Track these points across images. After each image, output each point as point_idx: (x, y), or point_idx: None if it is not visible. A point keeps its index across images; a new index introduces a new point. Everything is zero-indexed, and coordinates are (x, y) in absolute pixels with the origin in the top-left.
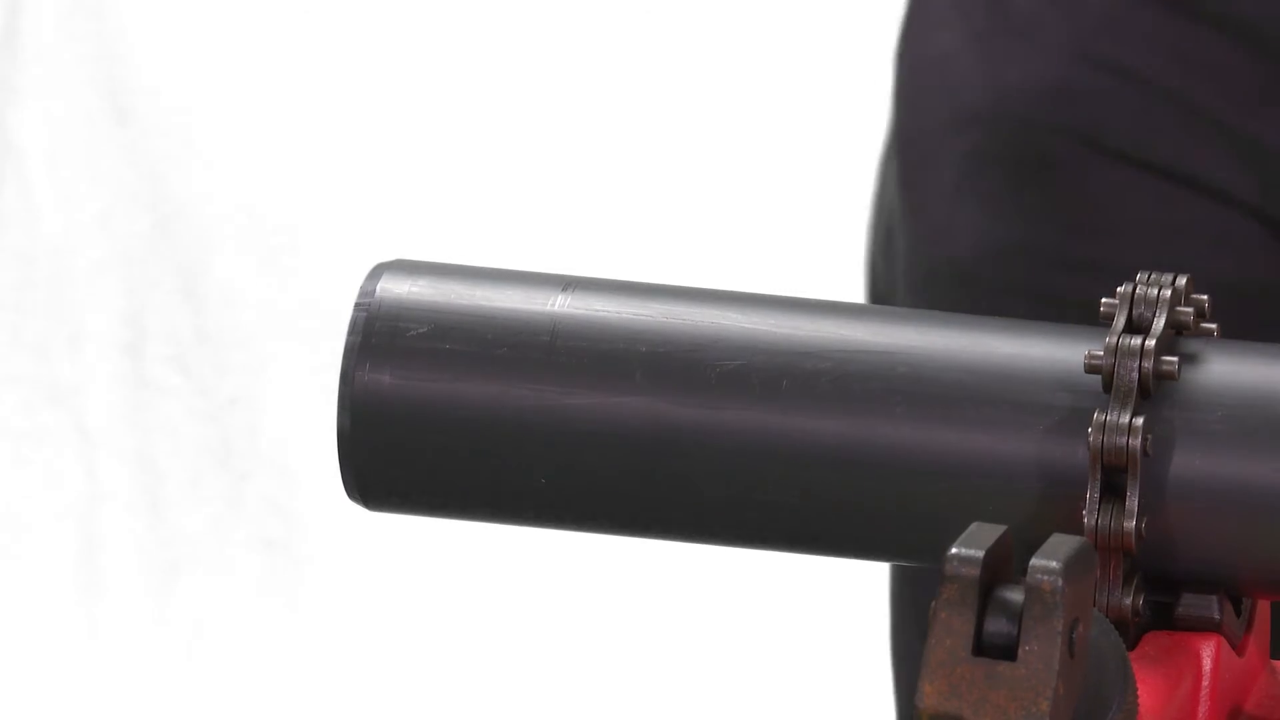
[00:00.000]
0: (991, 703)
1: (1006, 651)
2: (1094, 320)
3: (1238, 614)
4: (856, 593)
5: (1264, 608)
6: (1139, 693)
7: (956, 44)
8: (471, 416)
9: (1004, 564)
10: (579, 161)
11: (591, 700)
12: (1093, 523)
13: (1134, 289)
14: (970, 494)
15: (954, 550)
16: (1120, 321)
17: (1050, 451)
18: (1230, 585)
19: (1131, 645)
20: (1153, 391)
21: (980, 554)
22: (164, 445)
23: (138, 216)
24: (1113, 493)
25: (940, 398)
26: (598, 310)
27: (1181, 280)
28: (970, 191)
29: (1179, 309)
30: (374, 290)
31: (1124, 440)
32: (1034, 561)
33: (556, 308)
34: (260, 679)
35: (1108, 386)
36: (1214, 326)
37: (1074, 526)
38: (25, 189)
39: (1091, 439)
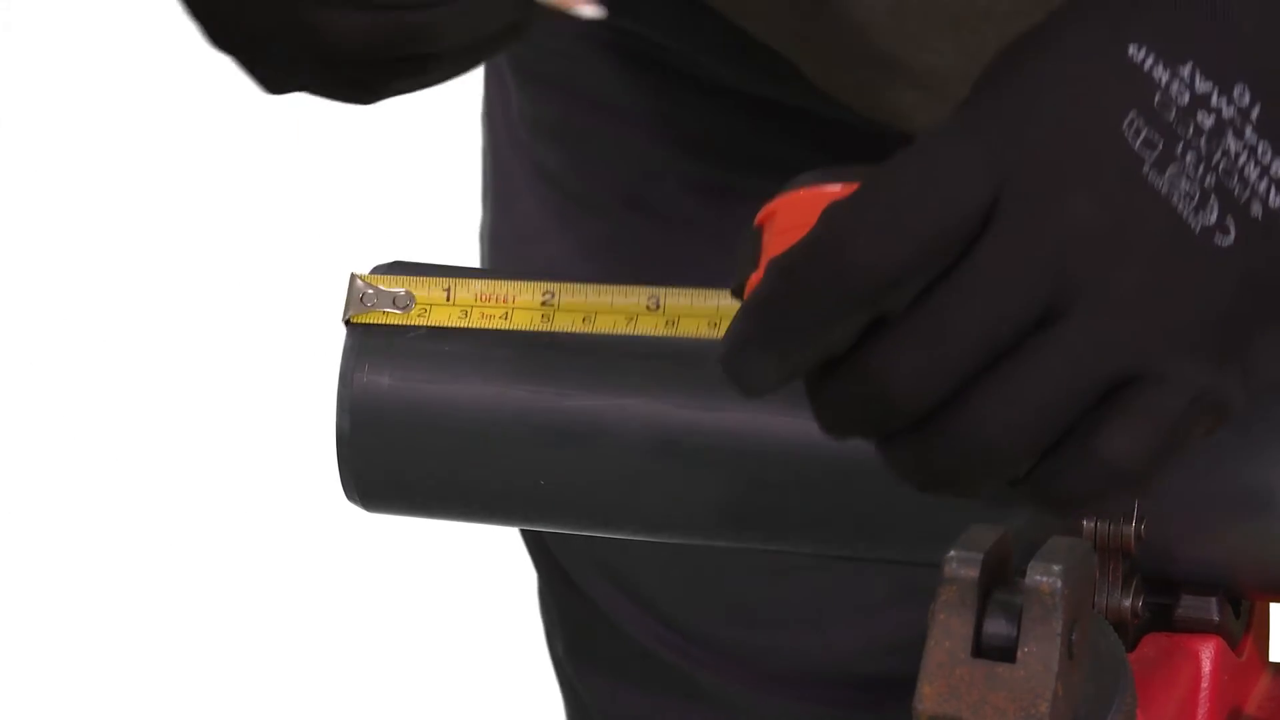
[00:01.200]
0: (991, 704)
1: (1006, 653)
2: None
3: (1236, 615)
4: None
5: (1263, 609)
6: (1138, 695)
7: (562, 251)
8: (470, 418)
9: (1003, 566)
10: None
11: None
12: (1092, 525)
13: None
14: None
15: (953, 552)
16: None
17: None
18: (1229, 587)
19: (1131, 647)
20: None
21: (980, 556)
22: (165, 443)
23: (141, 213)
24: None
25: None
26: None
27: None
28: None
29: None
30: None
31: None
32: (1033, 563)
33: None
34: (260, 679)
35: None
36: None
37: (1073, 528)
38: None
39: None
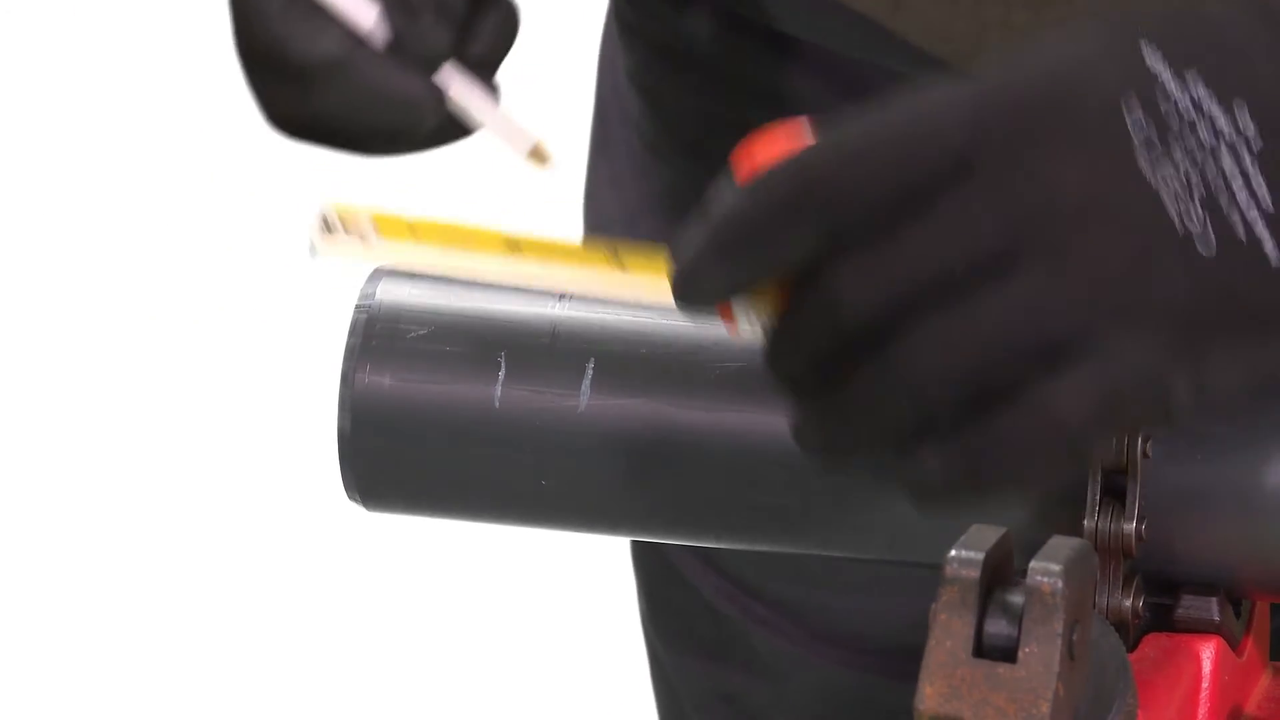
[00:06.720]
0: (992, 705)
1: (1007, 653)
2: None
3: (1237, 615)
4: None
5: (1263, 609)
6: (1139, 695)
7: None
8: (472, 418)
9: (1004, 566)
10: (579, 162)
11: (587, 704)
12: (1093, 525)
13: None
14: None
15: (954, 552)
16: None
17: None
18: (1230, 587)
19: (1131, 647)
20: None
21: (981, 556)
22: (167, 442)
23: (145, 211)
24: (1113, 495)
25: None
26: (598, 312)
27: None
28: None
29: None
30: (374, 293)
31: (1124, 443)
32: (1034, 563)
33: (557, 310)
34: (262, 681)
35: None
36: None
37: (1074, 529)
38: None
39: None
